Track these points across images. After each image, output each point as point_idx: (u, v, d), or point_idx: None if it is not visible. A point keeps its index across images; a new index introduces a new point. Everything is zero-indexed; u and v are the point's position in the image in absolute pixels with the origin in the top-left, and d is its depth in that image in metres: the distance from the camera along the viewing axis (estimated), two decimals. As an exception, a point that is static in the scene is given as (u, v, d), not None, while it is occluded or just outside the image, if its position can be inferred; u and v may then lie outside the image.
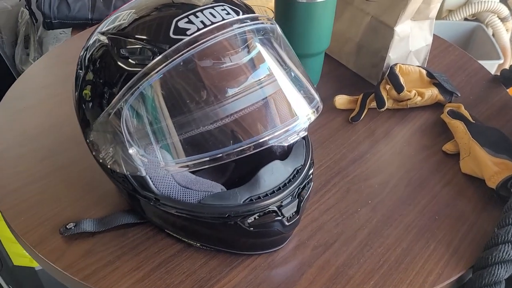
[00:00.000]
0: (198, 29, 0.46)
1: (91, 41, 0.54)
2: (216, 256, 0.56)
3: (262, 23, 0.50)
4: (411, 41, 0.82)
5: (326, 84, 0.84)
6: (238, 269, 0.55)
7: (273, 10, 1.06)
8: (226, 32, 0.47)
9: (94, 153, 0.54)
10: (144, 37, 0.48)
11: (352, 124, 0.76)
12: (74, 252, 0.56)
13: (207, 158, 0.46)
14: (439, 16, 1.77)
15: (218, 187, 0.52)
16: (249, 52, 0.49)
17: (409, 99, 0.77)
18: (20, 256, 1.12)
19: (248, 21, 0.49)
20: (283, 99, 0.50)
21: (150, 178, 0.51)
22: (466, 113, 0.74)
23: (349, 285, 0.53)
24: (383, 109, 0.75)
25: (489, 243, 0.56)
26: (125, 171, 0.51)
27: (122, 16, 0.52)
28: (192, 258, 0.56)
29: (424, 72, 0.80)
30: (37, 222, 0.60)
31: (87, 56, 0.53)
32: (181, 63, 0.45)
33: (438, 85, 0.79)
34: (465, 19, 1.78)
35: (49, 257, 0.56)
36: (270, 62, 0.49)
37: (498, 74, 0.87)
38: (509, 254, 0.54)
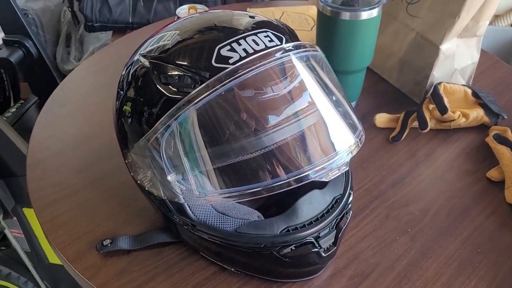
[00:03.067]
0: (241, 58, 0.46)
1: (133, 60, 0.54)
2: (250, 282, 0.55)
3: (306, 50, 0.49)
4: (457, 59, 0.79)
5: (366, 100, 0.82)
6: (273, 296, 0.54)
7: (314, 18, 1.05)
8: (269, 62, 0.45)
9: (132, 174, 0.54)
10: (186, 64, 0.47)
11: (393, 144, 0.74)
12: (109, 270, 0.57)
13: (247, 191, 0.45)
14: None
15: (254, 214, 0.52)
16: (291, 81, 0.47)
17: (453, 120, 0.74)
18: (56, 254, 1.15)
19: (292, 48, 0.48)
20: (325, 130, 0.49)
21: (188, 204, 0.50)
22: (513, 138, 0.71)
23: (385, 320, 0.52)
24: (425, 131, 0.73)
25: (535, 283, 0.54)
26: (162, 196, 0.50)
27: (166, 37, 0.52)
28: (226, 282, 0.55)
29: (469, 91, 0.77)
30: (74, 236, 0.61)
31: (129, 77, 0.52)
32: (223, 93, 0.45)
33: (484, 106, 0.76)
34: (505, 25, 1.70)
35: (85, 274, 0.56)
36: (313, 91, 0.48)
37: (549, 94, 0.83)
38: (557, 298, 0.51)
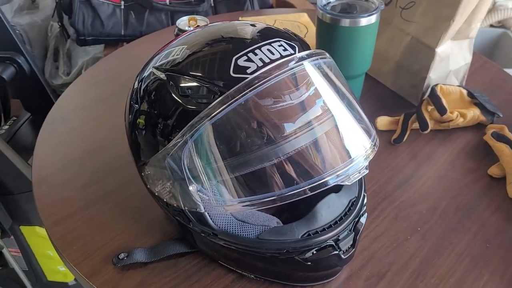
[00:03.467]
0: (258, 67, 0.47)
1: (145, 74, 0.54)
2: (270, 287, 0.56)
3: (319, 58, 0.50)
4: (451, 61, 0.81)
5: (365, 103, 0.82)
6: (293, 301, 0.55)
7: (306, 26, 1.06)
8: (286, 70, 0.46)
9: (149, 186, 0.54)
10: (204, 75, 0.48)
11: (395, 146, 0.76)
12: (128, 284, 0.57)
13: (269, 199, 0.46)
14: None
15: (274, 221, 0.53)
16: (307, 89, 0.49)
17: (452, 120, 0.76)
18: (54, 272, 1.13)
19: (306, 57, 0.49)
20: (342, 136, 0.50)
21: (208, 214, 0.51)
22: (510, 136, 0.73)
23: (405, 318, 0.53)
24: (426, 131, 0.75)
25: (545, 274, 0.55)
26: (182, 206, 0.51)
27: (175, 52, 0.53)
28: (245, 289, 0.56)
29: (465, 92, 0.80)
30: (89, 252, 0.60)
31: (143, 90, 0.53)
32: (243, 103, 0.45)
33: (479, 105, 0.78)
34: (491, 25, 1.76)
35: (104, 289, 0.56)
36: (329, 98, 0.49)
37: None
38: None
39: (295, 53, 0.49)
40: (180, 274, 0.58)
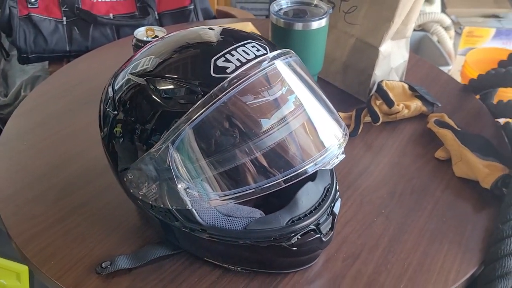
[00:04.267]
0: (237, 67, 0.50)
1: (120, 83, 0.55)
2: (256, 278, 0.59)
3: (289, 56, 0.54)
4: (392, 59, 0.88)
5: (317, 103, 0.89)
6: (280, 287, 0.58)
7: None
8: (264, 68, 0.50)
9: (132, 191, 0.55)
10: (184, 77, 0.50)
11: (351, 139, 0.80)
12: (115, 290, 0.57)
13: (253, 190, 0.49)
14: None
15: (257, 213, 0.55)
16: (283, 85, 0.52)
17: (398, 112, 0.83)
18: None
19: (277, 56, 0.53)
20: (317, 127, 0.54)
21: (196, 210, 0.53)
22: (450, 122, 0.81)
23: (383, 291, 0.58)
24: (378, 123, 0.81)
25: (495, 238, 0.63)
26: (170, 206, 0.52)
27: (143, 62, 0.54)
28: (233, 282, 0.58)
29: (406, 86, 0.87)
30: (69, 264, 0.60)
31: (122, 96, 0.54)
32: (226, 100, 0.48)
33: (420, 97, 0.86)
34: (413, 29, 1.90)
35: (91, 298, 0.56)
36: (303, 92, 0.53)
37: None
38: (516, 247, 0.61)
39: (267, 53, 0.53)
40: (166, 275, 0.59)
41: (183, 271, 0.59)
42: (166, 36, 0.61)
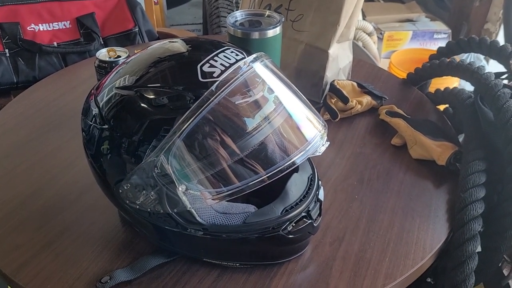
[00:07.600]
0: (222, 71, 0.53)
1: (105, 99, 0.57)
2: (253, 272, 0.61)
3: (265, 59, 0.59)
4: (339, 60, 0.96)
5: (276, 108, 0.94)
6: (277, 277, 0.61)
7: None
8: (246, 70, 0.54)
9: (128, 202, 0.56)
10: (174, 84, 0.53)
11: (314, 137, 0.87)
12: (119, 303, 0.58)
13: (256, 180, 0.52)
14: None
15: (251, 207, 0.58)
16: (264, 85, 0.56)
17: (353, 107, 0.90)
18: None
19: (255, 60, 0.57)
20: (299, 121, 0.58)
21: (195, 211, 0.55)
22: (400, 111, 0.89)
23: (371, 266, 0.63)
24: (337, 119, 0.87)
25: (459, 206, 0.70)
26: (169, 210, 0.54)
27: (123, 80, 0.56)
28: (233, 279, 0.61)
29: (355, 84, 0.95)
30: (67, 284, 0.59)
31: (111, 110, 0.55)
32: (217, 102, 0.52)
33: (369, 93, 0.94)
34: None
35: (96, 314, 0.56)
36: (284, 90, 0.58)
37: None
38: (477, 211, 0.68)
39: (245, 57, 0.57)
40: (167, 282, 0.60)
41: (183, 275, 0.61)
42: (132, 57, 0.62)
